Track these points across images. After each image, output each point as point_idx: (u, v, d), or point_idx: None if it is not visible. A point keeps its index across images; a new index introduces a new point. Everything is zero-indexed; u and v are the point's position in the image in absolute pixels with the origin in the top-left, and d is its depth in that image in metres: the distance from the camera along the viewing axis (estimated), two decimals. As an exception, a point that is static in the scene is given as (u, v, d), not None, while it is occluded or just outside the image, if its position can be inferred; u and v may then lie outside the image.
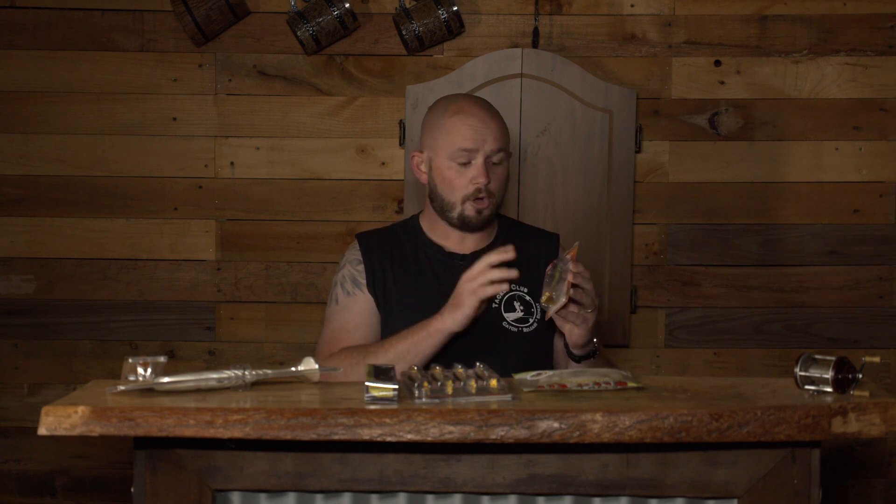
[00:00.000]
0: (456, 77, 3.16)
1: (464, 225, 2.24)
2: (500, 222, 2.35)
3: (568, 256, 2.06)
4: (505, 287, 2.08)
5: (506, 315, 2.23)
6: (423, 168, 2.28)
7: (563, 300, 2.04)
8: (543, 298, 2.07)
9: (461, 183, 2.20)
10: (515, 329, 2.23)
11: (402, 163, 3.24)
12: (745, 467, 1.70)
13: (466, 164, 2.20)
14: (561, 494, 1.72)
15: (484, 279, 2.05)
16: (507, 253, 2.05)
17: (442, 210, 2.25)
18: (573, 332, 2.11)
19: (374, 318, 2.24)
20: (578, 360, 2.18)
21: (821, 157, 3.26)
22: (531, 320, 2.24)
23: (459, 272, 2.12)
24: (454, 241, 2.29)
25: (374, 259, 2.28)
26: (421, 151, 2.29)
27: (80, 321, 3.28)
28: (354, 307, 2.25)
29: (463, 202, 2.21)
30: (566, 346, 2.18)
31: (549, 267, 2.11)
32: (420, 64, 3.26)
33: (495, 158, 2.21)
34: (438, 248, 2.29)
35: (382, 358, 2.07)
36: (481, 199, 2.20)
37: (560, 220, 3.13)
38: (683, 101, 3.25)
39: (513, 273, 2.05)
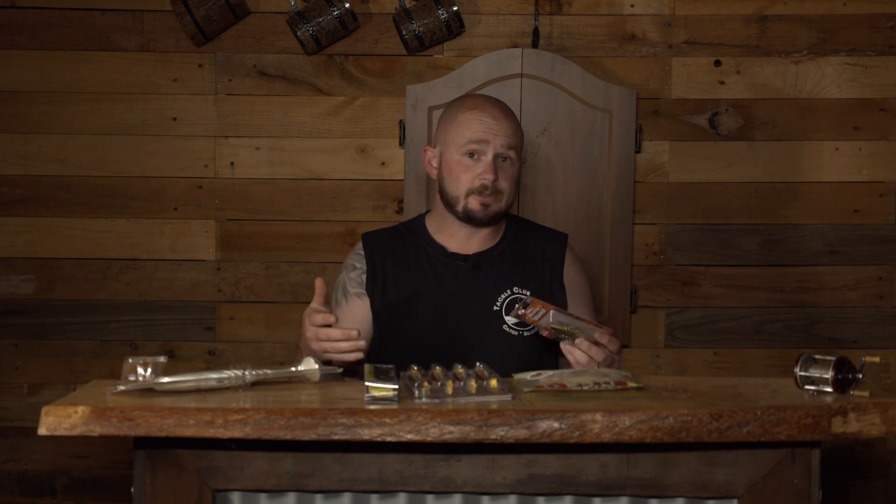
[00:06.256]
0: (456, 77, 3.16)
1: (469, 219, 2.22)
2: (507, 221, 2.34)
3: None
4: (350, 357, 2.00)
5: (507, 318, 2.22)
6: (434, 163, 2.29)
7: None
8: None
9: (468, 177, 2.20)
10: (516, 332, 2.22)
11: (402, 163, 3.24)
12: (745, 467, 1.70)
13: (476, 159, 2.20)
14: (561, 494, 1.72)
15: (320, 347, 1.98)
16: (329, 317, 1.97)
17: (449, 205, 2.24)
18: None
19: (355, 325, 2.17)
20: None
21: (821, 157, 3.25)
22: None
23: (461, 273, 2.12)
24: (459, 242, 2.27)
25: (375, 259, 2.27)
26: (433, 146, 2.30)
27: (80, 321, 3.28)
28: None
29: (467, 196, 2.20)
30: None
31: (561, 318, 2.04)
32: (420, 64, 3.25)
33: (505, 156, 2.21)
34: (441, 249, 2.27)
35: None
36: (487, 194, 2.19)
37: (560, 220, 3.13)
38: (683, 101, 3.25)
39: (351, 347, 1.98)
